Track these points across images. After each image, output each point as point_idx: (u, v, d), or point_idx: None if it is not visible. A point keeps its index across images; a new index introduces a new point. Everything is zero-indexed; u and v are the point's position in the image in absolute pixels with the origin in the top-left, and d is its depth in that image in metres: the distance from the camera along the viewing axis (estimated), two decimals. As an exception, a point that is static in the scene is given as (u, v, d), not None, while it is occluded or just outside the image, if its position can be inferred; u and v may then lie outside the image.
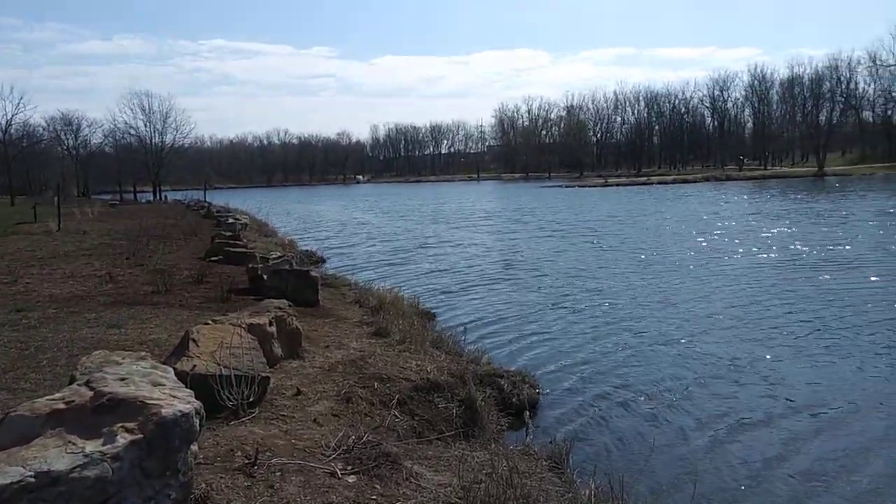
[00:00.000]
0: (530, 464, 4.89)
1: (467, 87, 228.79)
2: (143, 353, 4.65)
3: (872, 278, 14.62)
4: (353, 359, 7.35)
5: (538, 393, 7.80)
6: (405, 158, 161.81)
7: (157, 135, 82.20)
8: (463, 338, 9.79)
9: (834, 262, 16.98)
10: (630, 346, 10.14)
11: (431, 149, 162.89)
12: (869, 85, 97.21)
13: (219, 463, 4.07)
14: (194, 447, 3.30)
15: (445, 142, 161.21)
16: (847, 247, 19.68)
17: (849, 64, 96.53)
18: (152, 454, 3.04)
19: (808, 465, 5.97)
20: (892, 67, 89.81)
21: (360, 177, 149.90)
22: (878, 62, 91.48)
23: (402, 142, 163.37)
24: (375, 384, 6.54)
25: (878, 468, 5.87)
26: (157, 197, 75.35)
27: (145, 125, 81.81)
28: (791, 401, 7.54)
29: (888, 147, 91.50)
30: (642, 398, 7.85)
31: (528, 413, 7.09)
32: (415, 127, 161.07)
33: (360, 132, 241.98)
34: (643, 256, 19.74)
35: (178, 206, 49.66)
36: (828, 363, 8.92)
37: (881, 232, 22.83)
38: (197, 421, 3.26)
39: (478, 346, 9.79)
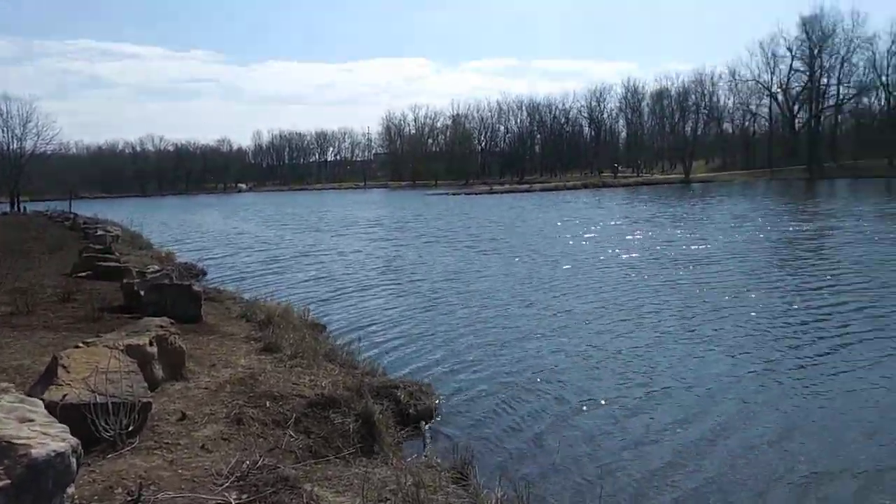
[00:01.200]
0: (434, 476, 4.83)
1: (356, 95, 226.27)
2: (5, 385, 4.19)
3: (726, 274, 15.91)
4: (241, 377, 7.00)
5: (436, 401, 7.77)
6: (290, 166, 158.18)
7: (15, 141, 75.48)
8: (357, 349, 9.62)
9: (694, 260, 18.22)
10: (517, 346, 10.38)
11: (317, 156, 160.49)
12: (729, 98, 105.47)
13: (96, 502, 3.72)
14: (70, 489, 2.98)
15: (332, 149, 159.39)
16: (704, 246, 21.31)
17: (711, 78, 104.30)
18: (21, 502, 2.71)
19: (712, 461, 6.24)
20: (750, 83, 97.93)
21: (242, 185, 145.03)
22: (736, 77, 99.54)
23: (287, 149, 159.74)
24: (267, 403, 6.25)
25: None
26: (16, 208, 69.21)
27: (2, 131, 74.93)
28: (689, 395, 7.95)
29: (745, 156, 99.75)
30: (538, 398, 8.02)
31: (425, 423, 7.05)
32: (300, 134, 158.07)
33: (243, 139, 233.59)
34: (523, 259, 20.33)
35: (40, 218, 45.95)
36: (705, 357, 9.47)
37: (735, 234, 24.78)
38: (74, 460, 2.95)
39: (372, 357, 9.66)
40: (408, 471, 4.45)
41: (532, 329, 11.53)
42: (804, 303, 12.70)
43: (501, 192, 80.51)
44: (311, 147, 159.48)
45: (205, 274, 19.72)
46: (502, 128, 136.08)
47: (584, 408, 7.67)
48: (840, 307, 12.17)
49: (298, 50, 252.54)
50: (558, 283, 15.94)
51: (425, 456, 5.97)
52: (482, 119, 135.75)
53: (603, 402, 7.83)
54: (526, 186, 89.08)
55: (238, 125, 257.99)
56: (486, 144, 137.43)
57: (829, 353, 9.41)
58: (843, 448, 6.36)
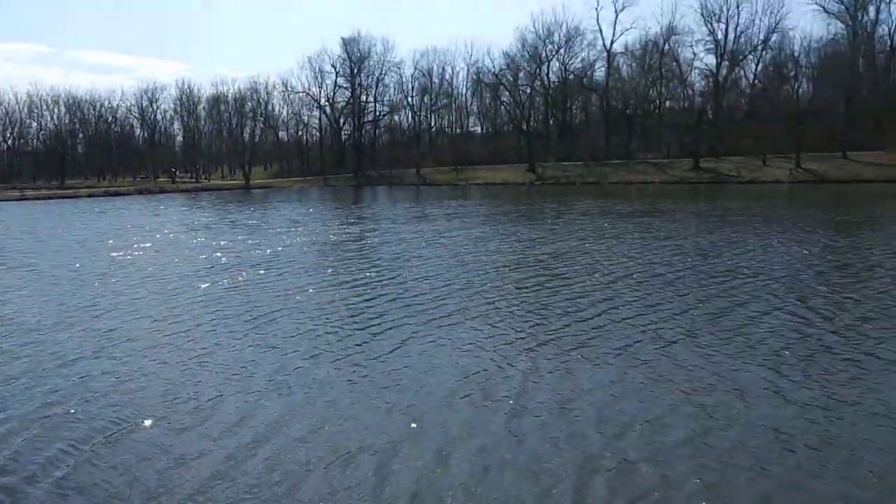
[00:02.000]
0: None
1: None
2: None
3: (282, 277, 16.78)
4: None
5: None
6: None
7: None
8: None
9: (253, 265, 18.74)
10: (55, 375, 9.13)
11: None
12: (283, 107, 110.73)
13: None
14: None
15: None
16: (262, 251, 22.17)
17: (266, 87, 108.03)
18: None
19: (270, 463, 6.41)
20: (301, 94, 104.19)
21: None
22: (289, 88, 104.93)
23: None
24: None
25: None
26: None
27: None
28: (238, 400, 7.99)
29: (301, 163, 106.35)
30: (80, 429, 7.19)
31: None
32: None
33: None
34: (64, 275, 18.08)
35: None
36: (256, 359, 9.76)
37: (291, 238, 26.35)
38: None
39: None
40: None
41: (74, 353, 10.26)
42: (350, 296, 14.23)
43: (37, 199, 69.80)
44: None
45: None
46: (35, 124, 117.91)
47: (134, 431, 7.20)
48: (376, 297, 13.99)
49: None
50: (106, 301, 14.47)
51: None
52: (8, 113, 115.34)
53: (153, 421, 7.46)
54: (70, 192, 78.94)
55: None
56: (14, 143, 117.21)
57: (371, 340, 10.68)
58: (378, 425, 7.29)
